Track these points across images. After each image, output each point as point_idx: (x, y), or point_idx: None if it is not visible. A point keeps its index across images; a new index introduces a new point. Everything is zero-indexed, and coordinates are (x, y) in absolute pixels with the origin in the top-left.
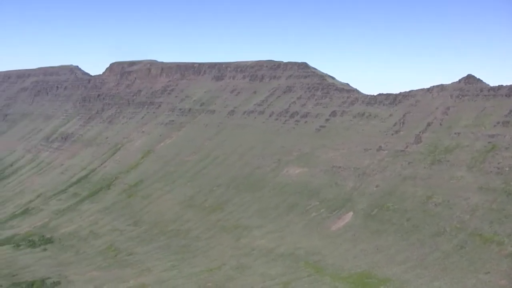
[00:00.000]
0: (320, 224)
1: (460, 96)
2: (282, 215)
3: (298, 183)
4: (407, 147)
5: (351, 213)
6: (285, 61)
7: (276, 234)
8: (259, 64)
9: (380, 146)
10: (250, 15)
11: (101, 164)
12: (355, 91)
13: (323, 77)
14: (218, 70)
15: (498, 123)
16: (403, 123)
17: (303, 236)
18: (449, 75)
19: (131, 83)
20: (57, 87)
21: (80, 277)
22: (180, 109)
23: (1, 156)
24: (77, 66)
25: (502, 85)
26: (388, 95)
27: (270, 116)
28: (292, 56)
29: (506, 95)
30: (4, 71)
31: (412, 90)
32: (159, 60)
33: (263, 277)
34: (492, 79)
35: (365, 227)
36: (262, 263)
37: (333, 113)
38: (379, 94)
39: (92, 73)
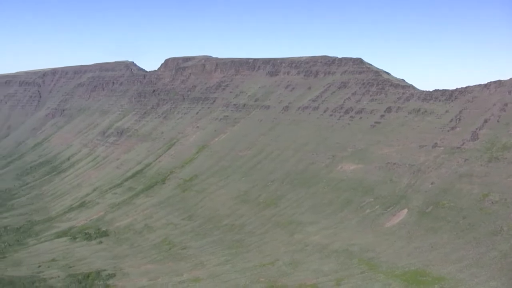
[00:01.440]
0: (374, 221)
1: None
2: (336, 211)
3: (353, 179)
4: (463, 144)
5: (405, 210)
6: (339, 56)
7: (330, 230)
8: (313, 60)
9: (436, 143)
10: (305, 11)
11: (156, 159)
12: (411, 87)
13: (378, 72)
14: (273, 66)
15: None
16: (460, 119)
17: (357, 233)
18: (507, 71)
19: (186, 78)
20: (113, 82)
21: (135, 270)
22: (234, 104)
23: (59, 150)
24: (133, 62)
25: None
26: (444, 91)
27: (324, 112)
28: (347, 52)
29: None
30: (61, 67)
31: (468, 86)
32: (214, 56)
33: (316, 273)
34: None
35: (420, 224)
36: (316, 259)
37: (388, 109)
38: (435, 90)
39: (147, 69)
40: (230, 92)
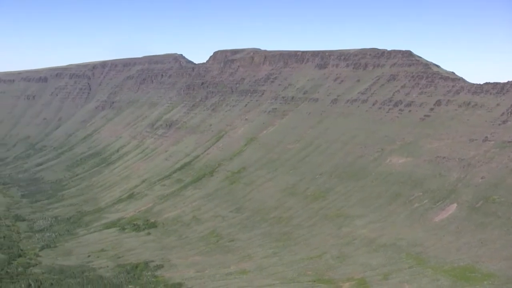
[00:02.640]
0: (423, 215)
1: None
2: (385, 205)
3: (401, 172)
4: None
5: (455, 205)
6: (389, 49)
7: (378, 224)
8: (362, 52)
9: (486, 137)
10: (355, 2)
11: (205, 151)
12: (461, 79)
13: (427, 65)
14: (321, 58)
15: None
16: (511, 113)
17: (405, 227)
18: None
19: (234, 71)
20: (162, 75)
21: (182, 261)
22: (283, 97)
23: (108, 142)
24: (181, 55)
25: None
26: (495, 84)
27: (373, 104)
28: (396, 44)
29: None
30: (111, 60)
31: None
32: (262, 48)
33: (363, 267)
34: None
35: (469, 219)
36: (363, 253)
37: (438, 102)
38: (486, 83)
39: (196, 62)
40: (279, 84)
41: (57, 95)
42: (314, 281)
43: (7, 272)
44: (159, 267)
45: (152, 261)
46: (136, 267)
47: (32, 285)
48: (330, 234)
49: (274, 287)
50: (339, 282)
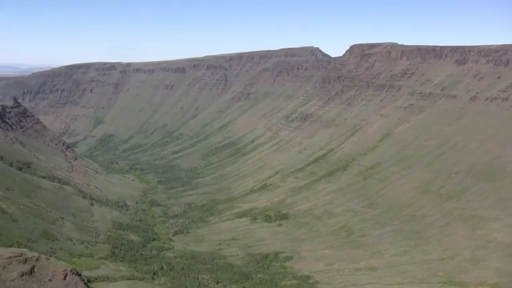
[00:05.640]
0: None
1: None
2: None
3: None
4: None
5: None
6: None
7: None
8: (504, 48)
9: None
10: None
11: (339, 145)
12: None
13: None
14: (461, 54)
15: None
16: None
17: None
18: None
19: (371, 65)
20: (298, 68)
21: (311, 254)
22: (420, 93)
23: (243, 133)
24: (318, 48)
25: None
26: None
27: None
28: None
29: None
30: (247, 52)
31: None
32: (399, 42)
33: (497, 272)
34: None
35: None
36: (498, 257)
37: None
38: None
39: (332, 55)
40: (416, 80)
41: (194, 85)
42: (445, 283)
43: (141, 254)
44: (288, 258)
45: (282, 252)
46: (266, 257)
47: (165, 268)
48: (463, 236)
49: (403, 286)
50: (471, 285)
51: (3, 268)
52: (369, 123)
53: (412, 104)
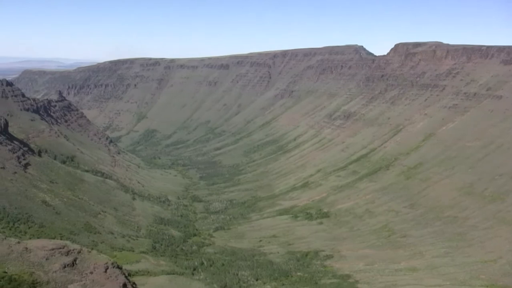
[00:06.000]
0: None
1: None
2: None
3: None
4: None
5: None
6: None
7: None
8: None
9: None
10: None
11: (382, 144)
12: None
13: None
14: (507, 54)
15: None
16: None
17: None
18: None
19: (415, 64)
20: (342, 66)
21: (352, 253)
22: (464, 93)
23: (286, 130)
24: (362, 46)
25: None
26: None
27: None
28: None
29: None
30: (291, 49)
31: None
32: (444, 42)
33: None
34: None
35: None
36: None
37: None
38: None
39: (376, 54)
40: (461, 80)
41: (237, 82)
42: (487, 286)
43: (182, 249)
44: (329, 257)
45: (322, 250)
46: (306, 255)
47: (205, 263)
48: (507, 239)
49: None
50: None
51: (46, 259)
52: (412, 122)
53: (457, 104)
